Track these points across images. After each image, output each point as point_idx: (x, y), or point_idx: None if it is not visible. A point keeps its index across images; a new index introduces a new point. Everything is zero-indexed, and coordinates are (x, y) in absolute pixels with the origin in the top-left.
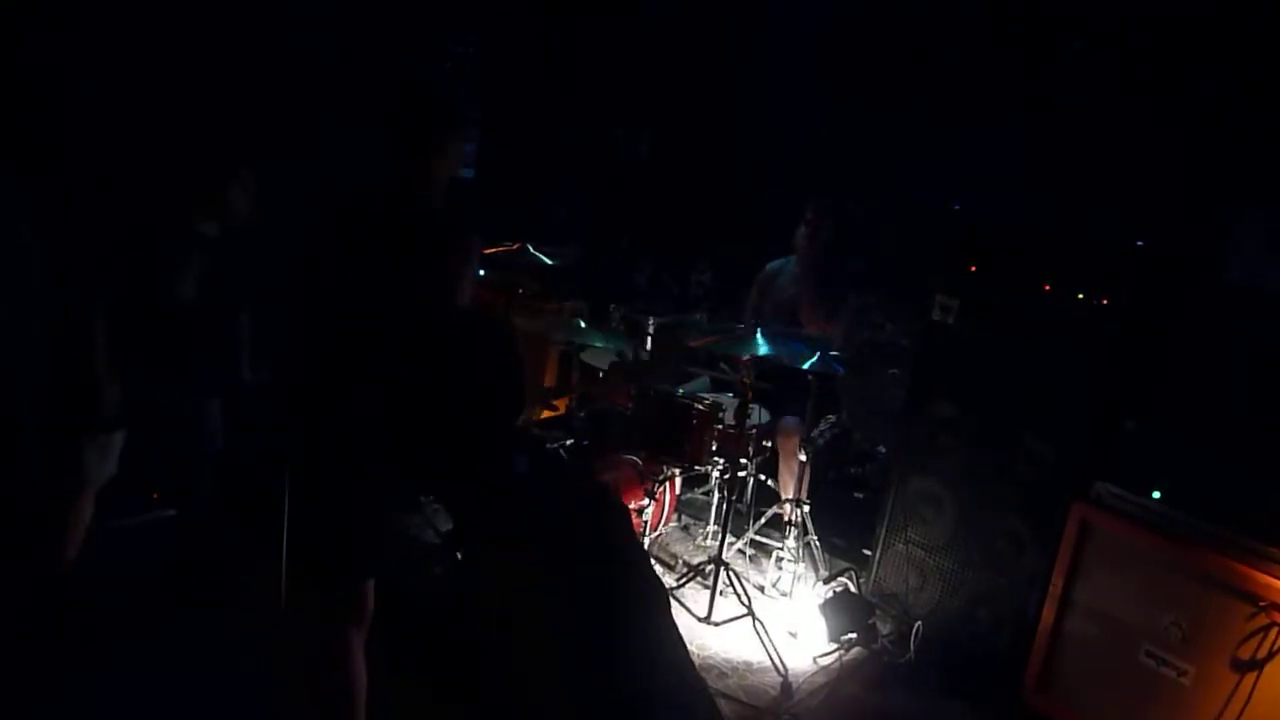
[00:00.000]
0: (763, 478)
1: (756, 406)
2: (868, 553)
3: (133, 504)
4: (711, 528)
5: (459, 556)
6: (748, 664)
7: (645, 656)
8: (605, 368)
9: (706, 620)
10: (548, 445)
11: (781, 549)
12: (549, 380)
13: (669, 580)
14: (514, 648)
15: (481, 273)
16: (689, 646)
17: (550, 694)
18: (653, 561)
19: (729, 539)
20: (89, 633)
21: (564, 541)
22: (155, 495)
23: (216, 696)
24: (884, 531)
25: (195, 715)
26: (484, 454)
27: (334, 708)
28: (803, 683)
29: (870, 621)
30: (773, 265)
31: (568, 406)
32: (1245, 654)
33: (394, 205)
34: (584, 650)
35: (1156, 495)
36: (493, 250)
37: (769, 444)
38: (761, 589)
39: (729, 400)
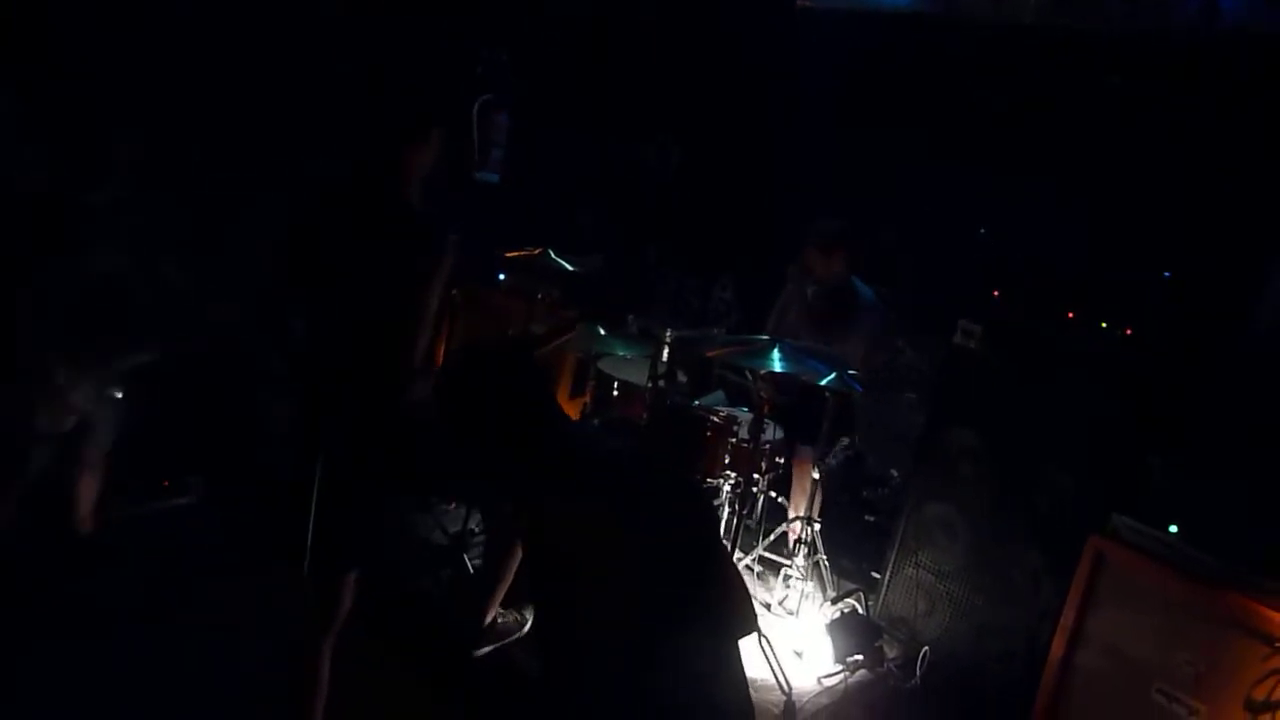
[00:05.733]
0: (774, 494)
1: (771, 423)
2: (877, 576)
3: (143, 492)
4: None
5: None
6: (751, 681)
7: (698, 660)
8: (621, 379)
9: None
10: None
11: (790, 567)
12: (563, 388)
13: None
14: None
15: (501, 277)
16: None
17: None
18: None
19: (738, 554)
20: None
21: (650, 512)
22: (165, 483)
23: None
24: (895, 554)
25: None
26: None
27: (294, 705)
28: (806, 703)
29: (877, 644)
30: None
31: (581, 415)
32: (1259, 695)
33: (366, 194)
34: (640, 640)
35: (1173, 529)
36: (514, 254)
37: (782, 460)
38: (768, 606)
39: (744, 414)
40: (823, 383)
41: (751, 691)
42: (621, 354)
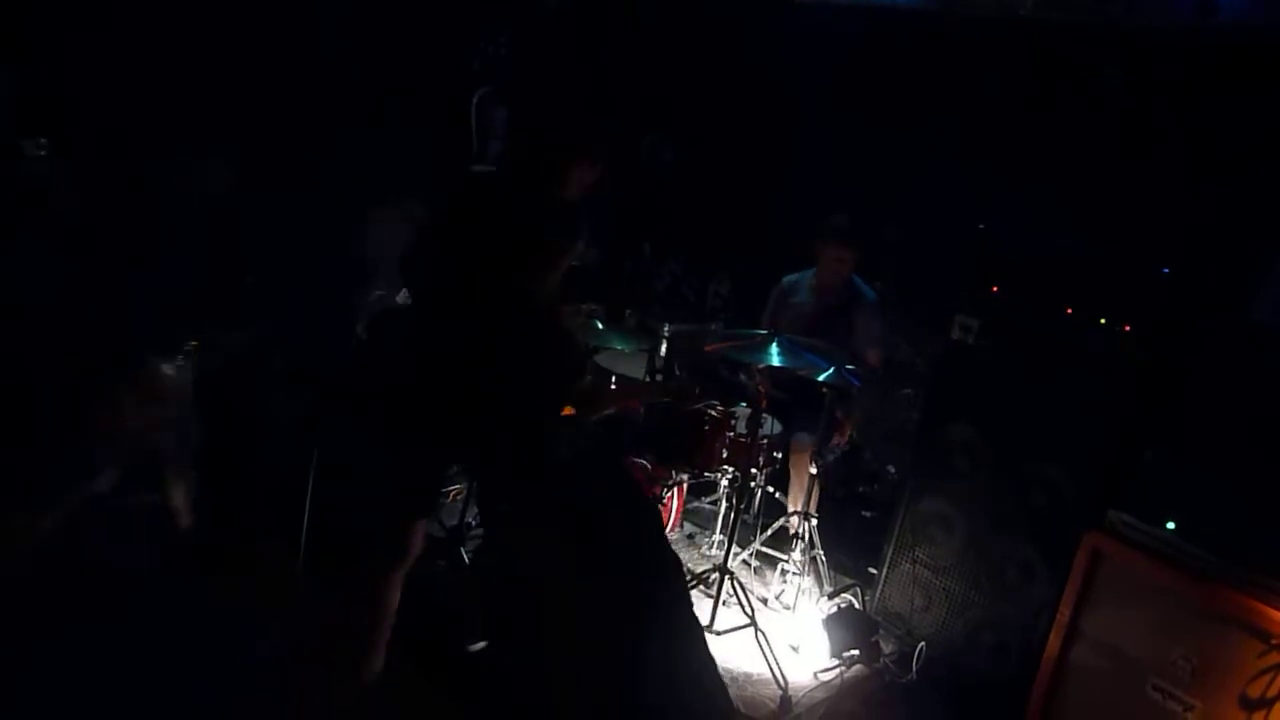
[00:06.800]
0: (770, 489)
1: (769, 417)
2: (873, 571)
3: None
4: (717, 537)
5: (485, 537)
6: (748, 675)
7: (667, 665)
8: (618, 374)
9: (708, 629)
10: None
11: (787, 562)
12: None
13: None
14: (539, 633)
15: None
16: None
17: (569, 692)
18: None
19: (734, 549)
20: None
21: (596, 532)
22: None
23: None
24: (891, 550)
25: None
26: (526, 434)
27: (363, 631)
28: (802, 697)
29: (873, 639)
30: (789, 278)
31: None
32: (1254, 692)
33: (527, 203)
34: (607, 649)
35: (1170, 526)
36: None
37: (779, 455)
38: (765, 601)
39: (742, 409)
40: (821, 378)
41: (748, 685)
42: (619, 348)
